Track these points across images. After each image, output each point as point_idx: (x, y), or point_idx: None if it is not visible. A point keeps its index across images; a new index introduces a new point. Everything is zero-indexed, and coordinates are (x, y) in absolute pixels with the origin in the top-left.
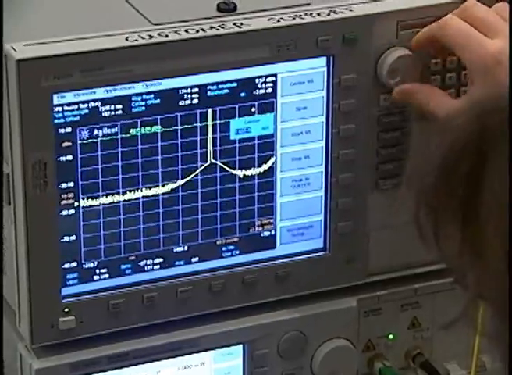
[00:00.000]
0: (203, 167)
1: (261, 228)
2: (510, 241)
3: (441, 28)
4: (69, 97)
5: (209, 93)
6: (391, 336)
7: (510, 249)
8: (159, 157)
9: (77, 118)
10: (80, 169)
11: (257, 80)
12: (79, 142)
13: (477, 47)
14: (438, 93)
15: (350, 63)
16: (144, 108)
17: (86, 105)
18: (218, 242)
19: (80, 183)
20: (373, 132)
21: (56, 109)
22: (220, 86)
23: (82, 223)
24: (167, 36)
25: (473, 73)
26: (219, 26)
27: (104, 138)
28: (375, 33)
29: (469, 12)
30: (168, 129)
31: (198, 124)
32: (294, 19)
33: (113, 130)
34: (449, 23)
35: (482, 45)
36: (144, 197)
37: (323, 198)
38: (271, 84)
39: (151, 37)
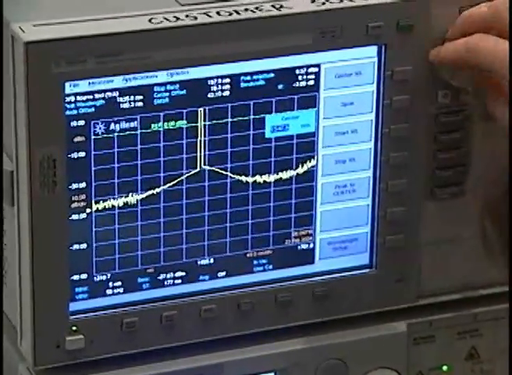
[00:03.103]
0: None
1: (298, 240)
2: (510, 240)
3: (470, 51)
4: (83, 85)
5: (242, 84)
6: (445, 368)
7: (510, 249)
8: (184, 156)
9: (92, 109)
10: (93, 168)
11: (297, 71)
12: (93, 137)
13: None
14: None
15: (405, 54)
16: (167, 100)
17: (102, 96)
18: (248, 255)
19: (94, 183)
20: (429, 133)
21: (68, 99)
22: (255, 77)
23: (94, 230)
24: (196, 18)
25: None
26: (255, 8)
27: (121, 133)
28: (433, 20)
29: (500, 19)
30: (194, 124)
31: (229, 119)
32: (342, 1)
33: (132, 125)
34: (478, 46)
35: None
36: (164, 200)
37: (370, 207)
38: (313, 76)
39: (177, 19)
